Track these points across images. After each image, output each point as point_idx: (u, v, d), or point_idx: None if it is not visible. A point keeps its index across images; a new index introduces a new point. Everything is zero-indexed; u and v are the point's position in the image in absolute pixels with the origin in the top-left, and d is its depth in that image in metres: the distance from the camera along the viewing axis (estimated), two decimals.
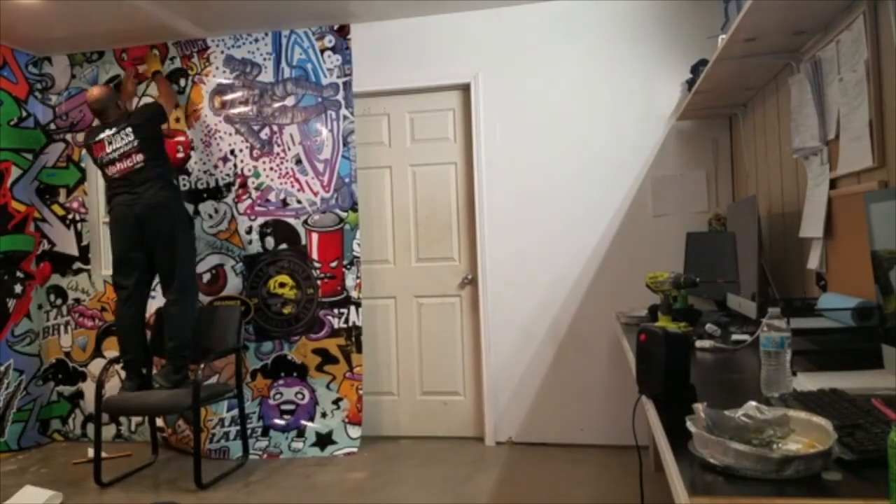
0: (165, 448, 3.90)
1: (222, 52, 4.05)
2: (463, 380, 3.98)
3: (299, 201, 3.94)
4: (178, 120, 4.11)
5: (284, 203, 3.95)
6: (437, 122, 4.01)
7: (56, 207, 4.30)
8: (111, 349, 4.13)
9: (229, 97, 4.02)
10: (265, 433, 3.86)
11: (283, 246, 3.95)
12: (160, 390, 3.46)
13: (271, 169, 3.97)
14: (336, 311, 3.90)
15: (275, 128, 3.97)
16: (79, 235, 4.28)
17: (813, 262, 2.29)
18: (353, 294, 3.89)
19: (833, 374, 1.48)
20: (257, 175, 3.98)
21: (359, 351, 3.88)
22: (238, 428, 3.80)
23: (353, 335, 3.88)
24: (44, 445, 4.15)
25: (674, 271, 2.49)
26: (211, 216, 4.03)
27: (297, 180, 3.94)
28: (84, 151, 4.07)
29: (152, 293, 3.87)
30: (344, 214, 3.90)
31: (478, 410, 3.94)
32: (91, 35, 3.97)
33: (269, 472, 3.52)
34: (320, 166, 3.92)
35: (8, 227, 4.08)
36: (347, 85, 3.91)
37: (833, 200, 2.16)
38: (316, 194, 3.92)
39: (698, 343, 2.09)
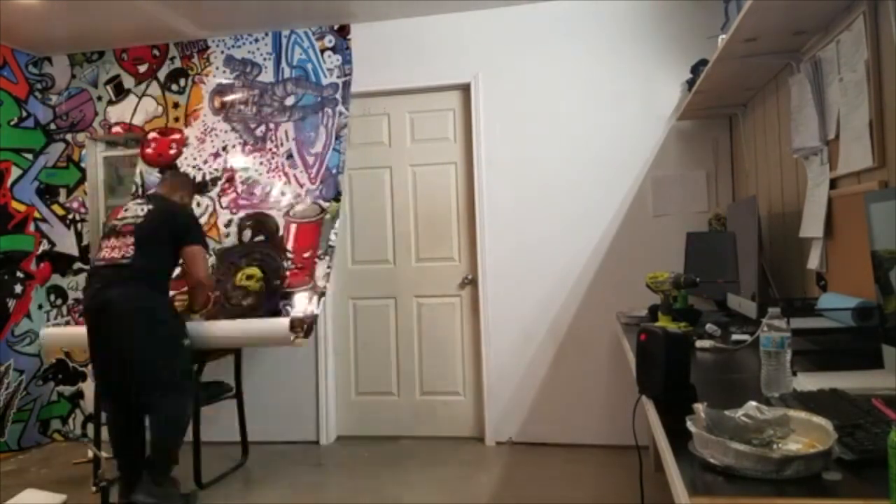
0: None
1: (222, 52, 4.05)
2: (463, 380, 3.98)
3: (283, 193, 3.83)
4: (177, 120, 4.11)
5: (268, 195, 3.85)
6: (437, 122, 4.01)
7: (56, 207, 4.30)
8: None
9: (229, 97, 4.02)
10: None
11: (259, 238, 3.80)
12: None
13: (261, 164, 3.91)
14: (295, 299, 3.60)
15: (270, 125, 3.94)
16: (79, 235, 4.28)
17: (813, 262, 2.29)
18: (321, 283, 3.61)
19: (833, 374, 1.48)
20: (246, 169, 3.92)
21: (305, 337, 3.41)
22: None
23: (306, 324, 3.44)
24: (44, 445, 4.15)
25: (674, 271, 2.48)
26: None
27: (286, 173, 3.87)
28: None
29: None
30: (326, 204, 3.77)
31: (478, 410, 3.94)
32: (91, 35, 3.98)
33: (268, 472, 3.52)
34: (310, 159, 3.87)
35: (8, 227, 4.08)
36: (347, 85, 3.91)
37: (833, 200, 2.16)
38: (302, 186, 3.83)
39: (698, 343, 2.09)
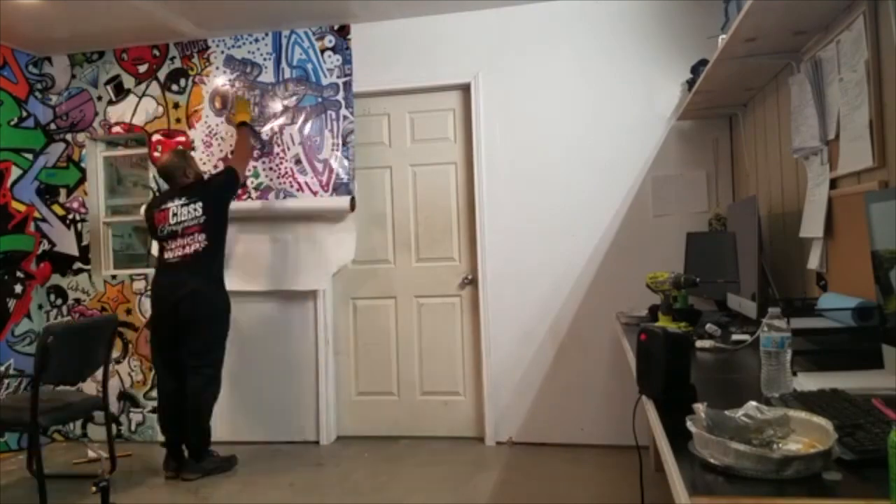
0: None
1: (222, 52, 4.05)
2: (463, 380, 3.98)
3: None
4: (178, 121, 4.12)
5: (284, 202, 3.94)
6: (438, 122, 4.01)
7: (56, 207, 4.30)
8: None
9: (230, 98, 4.02)
10: None
11: None
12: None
13: (270, 169, 3.97)
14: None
15: (275, 128, 3.97)
16: (79, 235, 4.28)
17: (813, 262, 2.29)
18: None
19: (833, 374, 1.48)
20: (256, 175, 3.98)
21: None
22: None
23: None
24: (44, 445, 4.14)
25: (674, 271, 2.48)
26: None
27: (297, 180, 3.94)
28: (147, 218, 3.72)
29: None
30: None
31: (478, 410, 3.93)
32: (91, 35, 3.98)
33: (268, 471, 3.52)
34: (319, 166, 3.92)
35: (8, 227, 4.08)
36: (347, 85, 3.91)
37: (833, 200, 2.15)
38: (315, 194, 3.92)
39: (698, 343, 2.09)
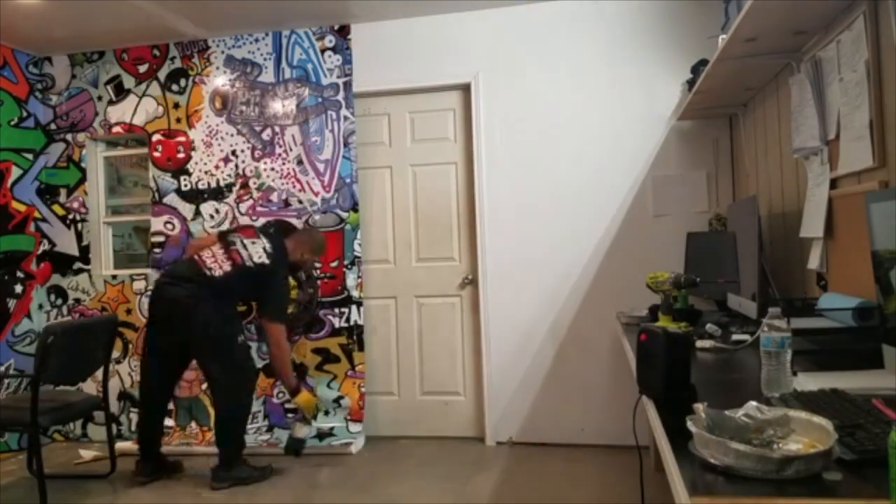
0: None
1: (223, 52, 4.05)
2: (463, 380, 3.98)
3: (300, 202, 3.95)
4: (178, 120, 4.12)
5: (286, 203, 3.96)
6: (438, 122, 4.01)
7: (56, 207, 4.30)
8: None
9: (230, 98, 4.03)
10: (269, 430, 3.87)
11: None
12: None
13: (272, 169, 3.98)
14: (337, 310, 3.91)
15: (276, 128, 3.97)
16: (79, 235, 4.28)
17: (813, 262, 2.29)
18: (355, 293, 3.89)
19: (833, 374, 1.48)
20: (258, 175, 3.99)
21: (360, 349, 3.89)
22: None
23: (355, 333, 3.89)
24: (44, 446, 4.14)
25: (674, 271, 2.48)
26: (212, 216, 4.04)
27: (299, 180, 3.95)
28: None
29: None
30: (345, 215, 3.90)
31: (478, 410, 3.93)
32: (91, 35, 3.98)
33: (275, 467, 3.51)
34: (321, 166, 3.93)
35: (8, 227, 4.08)
36: (348, 85, 3.91)
37: (833, 200, 2.15)
38: (317, 194, 3.93)
39: (699, 343, 2.09)
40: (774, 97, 2.79)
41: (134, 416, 4.13)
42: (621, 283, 3.64)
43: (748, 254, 2.42)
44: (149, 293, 4.06)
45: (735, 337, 2.10)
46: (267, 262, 3.34)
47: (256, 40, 4.01)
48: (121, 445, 3.73)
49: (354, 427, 3.81)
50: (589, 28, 3.73)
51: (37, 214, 4.26)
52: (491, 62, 3.85)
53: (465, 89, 3.93)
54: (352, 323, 3.90)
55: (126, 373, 4.18)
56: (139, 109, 4.18)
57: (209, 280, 3.25)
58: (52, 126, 4.29)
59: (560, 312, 3.79)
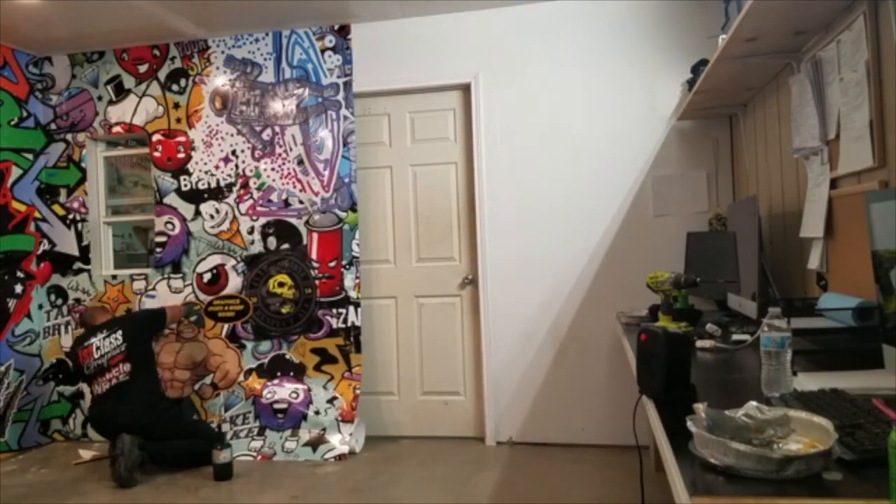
0: None
1: (223, 52, 4.05)
2: (463, 380, 3.98)
3: (301, 201, 3.95)
4: (178, 120, 4.12)
5: (286, 203, 3.96)
6: (438, 122, 4.01)
7: (56, 207, 4.30)
8: None
9: (230, 98, 4.03)
10: (261, 433, 3.85)
11: (285, 246, 3.96)
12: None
13: (273, 169, 3.98)
14: (335, 311, 3.90)
15: (276, 128, 3.97)
16: (79, 235, 4.28)
17: (813, 262, 2.29)
18: (352, 294, 3.89)
19: (833, 374, 1.48)
20: (258, 175, 3.99)
21: (357, 351, 3.88)
22: (236, 427, 3.81)
23: (352, 335, 3.89)
24: (44, 445, 4.15)
25: (674, 271, 2.49)
26: (212, 216, 4.04)
27: (299, 180, 3.95)
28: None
29: (152, 291, 3.99)
30: (343, 214, 3.90)
31: (478, 410, 3.94)
32: (91, 35, 3.98)
33: (270, 471, 3.52)
34: (321, 166, 3.93)
35: (8, 227, 4.08)
36: (348, 85, 3.91)
37: (833, 200, 2.16)
38: (317, 194, 3.93)
39: (699, 343, 2.09)
40: (774, 97, 2.79)
41: None
42: (621, 283, 3.64)
43: (748, 254, 2.42)
44: (149, 293, 4.11)
45: (735, 337, 2.10)
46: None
47: (256, 40, 4.02)
48: None
49: (346, 428, 3.77)
50: (589, 28, 3.73)
51: (37, 214, 4.26)
52: (491, 62, 3.85)
53: (465, 89, 3.93)
54: (349, 324, 3.89)
55: None
56: (139, 109, 4.18)
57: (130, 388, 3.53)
58: (53, 126, 4.30)
59: (560, 312, 3.79)
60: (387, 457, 3.71)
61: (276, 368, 3.94)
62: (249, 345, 3.97)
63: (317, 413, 3.81)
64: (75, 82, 4.27)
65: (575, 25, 3.75)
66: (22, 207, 4.18)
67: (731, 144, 3.61)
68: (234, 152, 4.02)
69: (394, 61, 3.95)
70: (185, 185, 4.08)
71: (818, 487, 0.91)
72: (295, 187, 3.95)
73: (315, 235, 3.93)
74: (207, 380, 3.98)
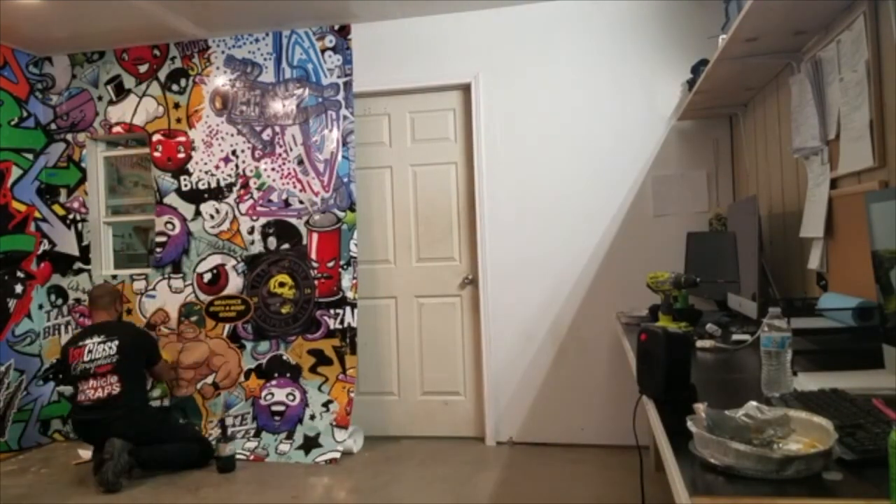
0: None
1: (223, 52, 4.05)
2: (463, 380, 3.98)
3: (301, 201, 3.95)
4: (178, 120, 4.12)
5: (286, 203, 3.96)
6: (438, 122, 4.01)
7: (57, 207, 4.30)
8: None
9: (230, 98, 4.03)
10: (257, 434, 3.84)
11: (286, 246, 3.96)
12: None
13: (273, 169, 3.98)
14: (332, 311, 3.89)
15: (276, 128, 3.97)
16: (79, 235, 4.28)
17: (813, 262, 2.29)
18: (349, 295, 3.87)
19: (834, 374, 1.48)
20: (258, 175, 3.99)
21: (353, 353, 3.85)
22: (234, 428, 3.81)
23: (348, 336, 3.86)
24: (44, 445, 4.15)
25: (674, 271, 2.49)
26: (212, 216, 4.04)
27: (299, 180, 3.94)
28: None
29: (153, 291, 3.99)
30: (342, 214, 3.90)
31: (478, 410, 3.94)
32: (91, 35, 3.98)
33: (270, 471, 3.52)
34: (321, 166, 3.93)
35: (8, 227, 4.08)
36: (348, 85, 3.91)
37: (833, 200, 2.16)
38: (317, 194, 3.93)
39: (699, 343, 2.09)
40: (774, 97, 2.79)
41: None
42: (621, 283, 3.64)
43: (748, 254, 2.42)
44: (149, 293, 4.11)
45: (735, 337, 2.10)
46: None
47: (257, 40, 4.02)
48: None
49: (340, 434, 3.73)
50: (589, 28, 3.73)
51: (37, 214, 4.26)
52: (491, 62, 3.85)
53: (465, 89, 3.93)
54: (345, 325, 3.86)
55: None
56: (139, 109, 4.18)
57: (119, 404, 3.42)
58: (53, 126, 4.30)
59: (560, 312, 3.79)
60: (387, 457, 3.71)
61: (274, 369, 3.93)
62: (249, 345, 3.97)
63: (312, 418, 3.80)
64: (75, 82, 4.27)
65: (575, 25, 3.75)
66: (22, 207, 4.18)
67: (731, 144, 3.62)
68: (234, 152, 4.02)
69: (394, 61, 3.95)
70: (186, 185, 4.08)
71: (818, 487, 0.91)
72: (295, 187, 3.95)
73: (315, 235, 3.93)
74: (209, 379, 3.98)
